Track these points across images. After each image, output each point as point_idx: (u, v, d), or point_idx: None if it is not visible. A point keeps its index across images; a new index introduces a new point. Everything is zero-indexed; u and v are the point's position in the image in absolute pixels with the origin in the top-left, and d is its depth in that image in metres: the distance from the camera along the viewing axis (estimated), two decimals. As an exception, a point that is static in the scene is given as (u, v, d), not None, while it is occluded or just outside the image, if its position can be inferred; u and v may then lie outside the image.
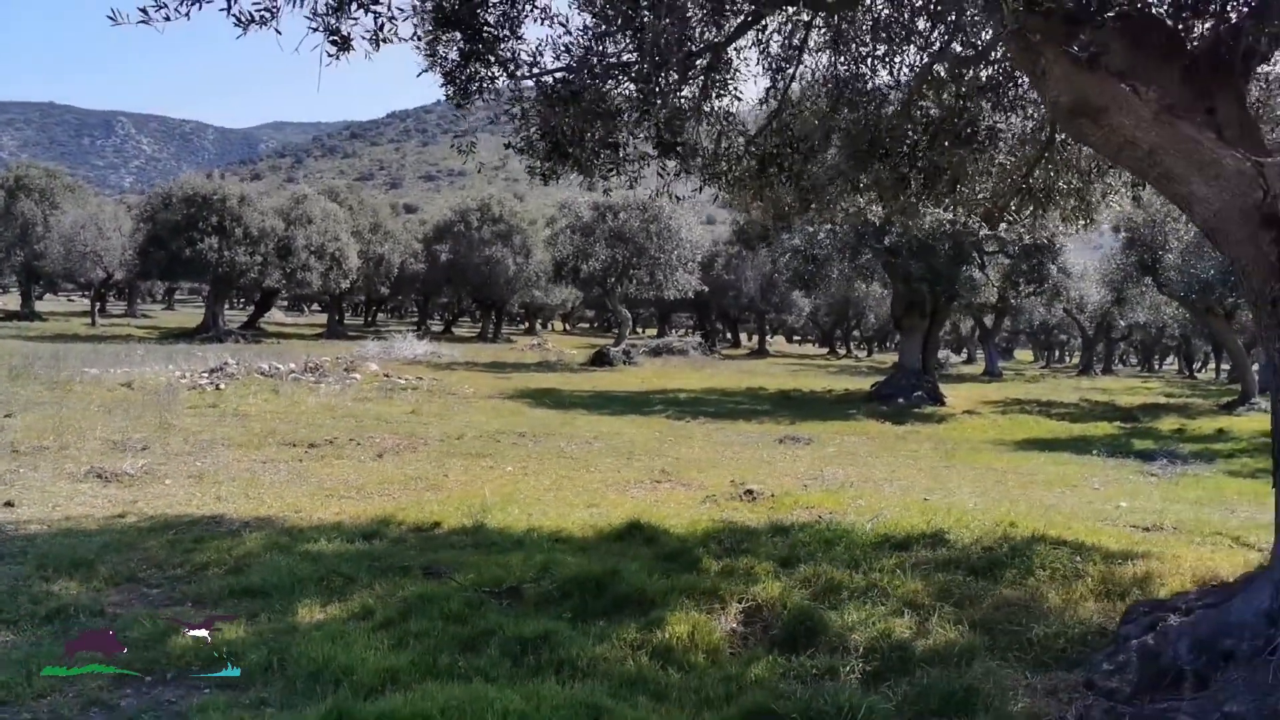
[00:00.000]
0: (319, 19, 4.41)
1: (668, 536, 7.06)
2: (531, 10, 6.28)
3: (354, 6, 4.44)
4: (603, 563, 5.94)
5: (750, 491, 10.11)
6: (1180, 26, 5.14)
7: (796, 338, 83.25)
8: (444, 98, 6.72)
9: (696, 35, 6.83)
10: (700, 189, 8.05)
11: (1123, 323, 41.17)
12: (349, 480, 9.46)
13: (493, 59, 6.25)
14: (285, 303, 68.91)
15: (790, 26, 7.03)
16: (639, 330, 73.32)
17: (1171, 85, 4.82)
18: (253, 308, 49.71)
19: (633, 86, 6.89)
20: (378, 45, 4.53)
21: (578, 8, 6.48)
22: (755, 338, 60.69)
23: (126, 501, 8.19)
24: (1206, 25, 5.09)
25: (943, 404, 23.50)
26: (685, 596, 5.25)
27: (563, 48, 6.30)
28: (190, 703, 3.95)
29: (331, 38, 4.45)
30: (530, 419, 16.77)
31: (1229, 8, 4.98)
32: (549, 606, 5.31)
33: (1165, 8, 5.00)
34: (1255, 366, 25.79)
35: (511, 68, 6.38)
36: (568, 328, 78.42)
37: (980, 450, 15.53)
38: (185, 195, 38.66)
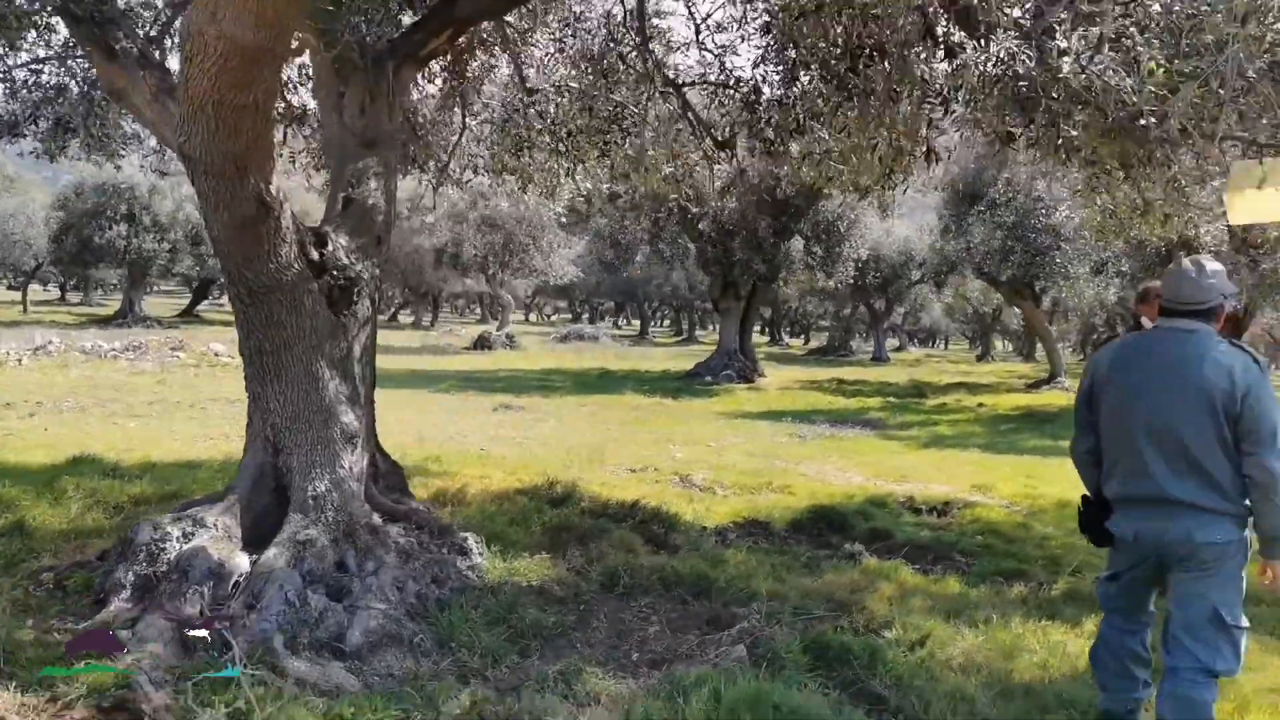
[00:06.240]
0: None
1: (99, 465, 8.16)
2: None
3: None
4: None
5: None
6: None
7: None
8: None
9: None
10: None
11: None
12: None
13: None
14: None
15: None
16: (619, 322, 74.24)
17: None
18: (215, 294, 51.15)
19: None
20: None
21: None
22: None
23: None
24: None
25: (750, 381, 24.46)
26: None
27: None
28: None
29: None
30: (284, 390, 17.83)
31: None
32: None
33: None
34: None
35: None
36: (533, 318, 77.51)
37: (689, 419, 16.50)
38: (95, 184, 40.06)
